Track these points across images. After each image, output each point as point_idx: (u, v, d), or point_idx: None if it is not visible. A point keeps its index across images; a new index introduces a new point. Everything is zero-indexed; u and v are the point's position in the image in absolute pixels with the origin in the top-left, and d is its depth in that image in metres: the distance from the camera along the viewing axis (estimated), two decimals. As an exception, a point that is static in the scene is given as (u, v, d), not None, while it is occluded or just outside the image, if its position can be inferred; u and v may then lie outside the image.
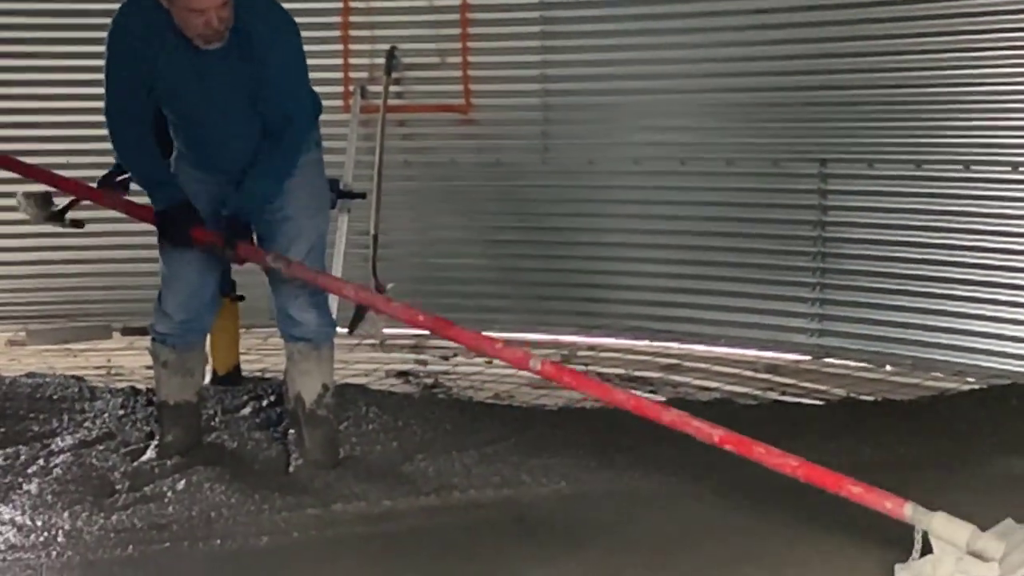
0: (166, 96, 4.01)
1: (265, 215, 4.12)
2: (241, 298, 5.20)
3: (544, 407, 4.98)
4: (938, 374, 5.54)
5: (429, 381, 5.53)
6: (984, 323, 5.53)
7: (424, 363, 5.90)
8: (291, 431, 4.40)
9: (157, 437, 4.42)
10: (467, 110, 6.56)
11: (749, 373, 5.67)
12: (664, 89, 6.22)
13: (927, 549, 3.22)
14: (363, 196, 6.04)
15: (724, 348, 6.05)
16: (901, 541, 3.39)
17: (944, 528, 3.19)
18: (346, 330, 6.17)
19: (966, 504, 3.66)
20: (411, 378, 5.60)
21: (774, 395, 5.29)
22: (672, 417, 3.57)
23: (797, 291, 6.01)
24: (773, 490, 4.00)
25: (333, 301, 6.42)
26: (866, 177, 5.81)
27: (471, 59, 6.49)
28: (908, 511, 3.24)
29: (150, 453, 4.34)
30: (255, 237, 4.20)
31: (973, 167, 5.53)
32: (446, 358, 6.00)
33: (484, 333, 4.04)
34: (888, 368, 5.72)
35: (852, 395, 5.22)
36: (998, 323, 5.49)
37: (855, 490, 3.31)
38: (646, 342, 6.21)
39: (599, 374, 5.62)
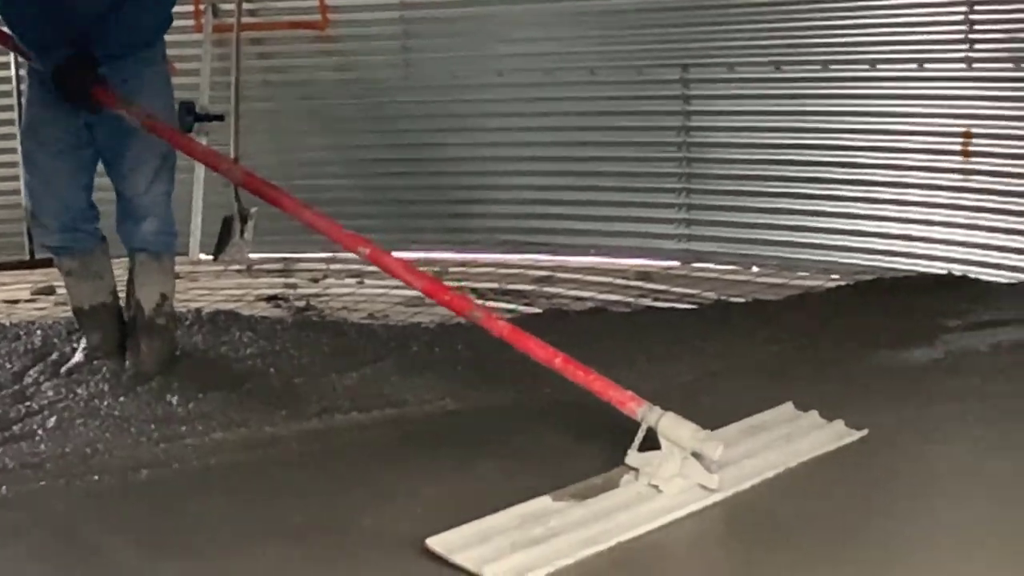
0: None
1: (110, 128, 4.13)
2: None
3: (420, 324, 4.94)
4: (804, 273, 5.65)
5: (301, 304, 5.44)
6: (847, 220, 5.64)
7: (294, 286, 5.80)
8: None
9: (84, 341, 4.42)
10: (324, 26, 6.40)
11: (621, 281, 5.70)
12: (525, -1, 6.17)
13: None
14: (221, 118, 5.89)
15: (595, 258, 6.07)
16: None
17: (670, 428, 3.13)
18: (211, 256, 6.13)
19: (835, 397, 3.75)
20: (282, 302, 5.50)
21: (647, 301, 5.33)
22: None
23: (664, 197, 6.06)
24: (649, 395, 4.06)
25: (196, 227, 6.36)
26: (727, 81, 5.86)
27: (326, -28, 6.34)
28: (639, 411, 3.20)
29: (78, 356, 4.36)
30: (100, 160, 4.27)
31: (831, 66, 5.60)
32: (316, 280, 5.91)
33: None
34: (755, 269, 5.81)
35: (722, 298, 5.29)
36: (860, 220, 5.61)
37: (596, 384, 3.34)
38: (518, 255, 6.20)
39: (473, 289, 5.61)
